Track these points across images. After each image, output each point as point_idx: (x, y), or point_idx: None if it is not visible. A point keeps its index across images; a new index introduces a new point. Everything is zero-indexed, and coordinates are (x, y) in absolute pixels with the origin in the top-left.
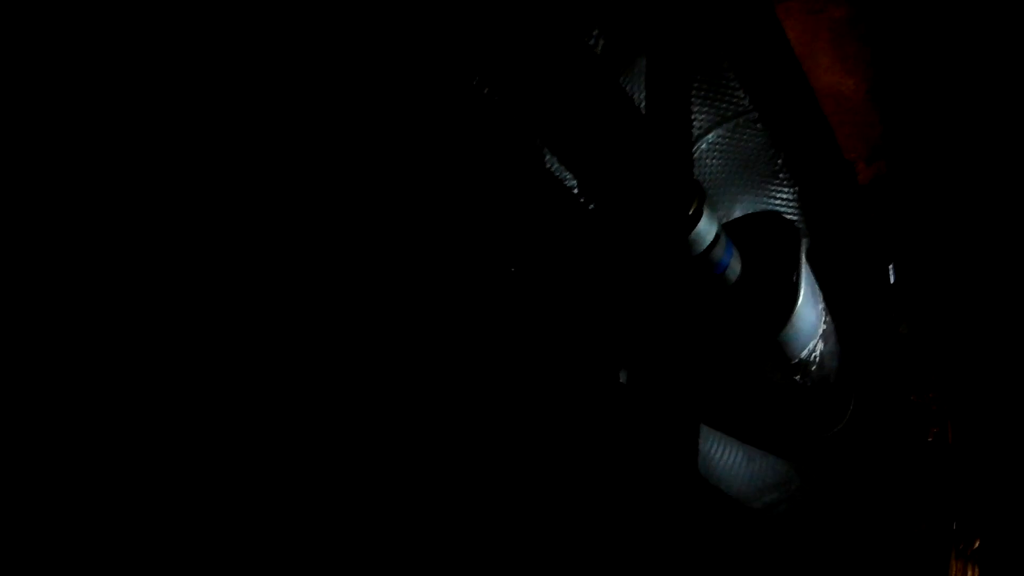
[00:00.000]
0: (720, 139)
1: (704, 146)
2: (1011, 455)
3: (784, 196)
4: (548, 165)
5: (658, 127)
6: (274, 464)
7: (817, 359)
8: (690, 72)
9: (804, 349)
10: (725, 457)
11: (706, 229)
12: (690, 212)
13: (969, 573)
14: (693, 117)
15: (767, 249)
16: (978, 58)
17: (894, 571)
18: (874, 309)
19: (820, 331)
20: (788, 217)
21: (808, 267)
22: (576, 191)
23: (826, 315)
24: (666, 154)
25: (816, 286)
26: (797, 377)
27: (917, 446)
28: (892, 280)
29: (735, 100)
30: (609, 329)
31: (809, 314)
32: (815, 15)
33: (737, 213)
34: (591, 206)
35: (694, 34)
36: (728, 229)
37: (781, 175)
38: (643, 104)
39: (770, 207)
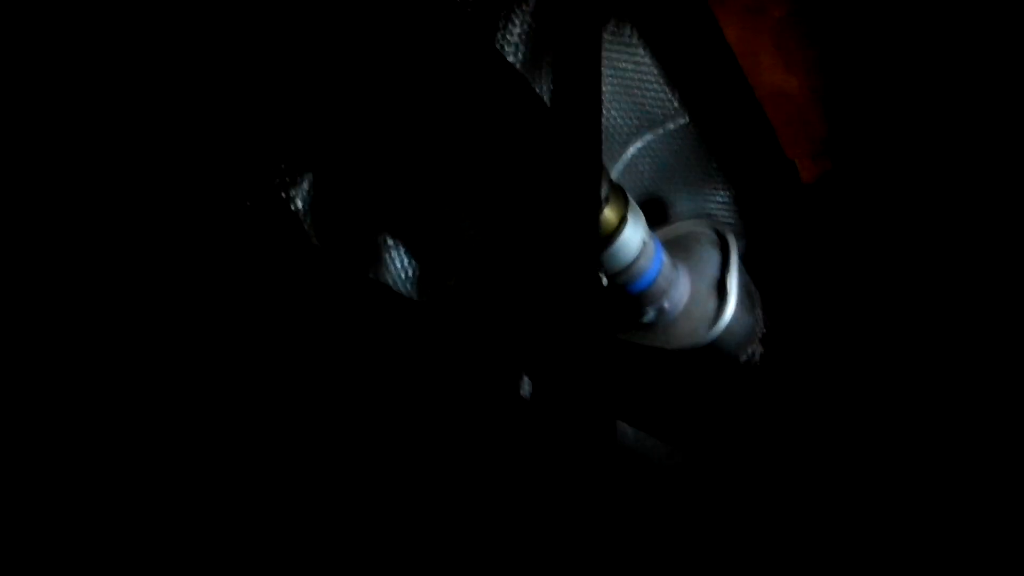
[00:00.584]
0: (649, 144)
1: (632, 151)
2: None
3: (720, 199)
4: (454, 168)
5: (567, 131)
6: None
7: (757, 363)
8: (602, 72)
9: (743, 354)
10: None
11: (630, 238)
12: (615, 223)
13: None
14: (619, 121)
15: (698, 255)
16: (925, 55)
17: None
18: (818, 309)
19: (760, 335)
20: (723, 220)
21: (743, 270)
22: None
23: (765, 318)
24: (576, 163)
25: (753, 287)
26: (734, 382)
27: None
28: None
29: (664, 102)
30: (516, 340)
31: (744, 318)
32: (755, 14)
33: (672, 218)
34: (496, 219)
35: (616, 30)
36: (659, 235)
37: (716, 177)
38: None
39: (706, 210)
